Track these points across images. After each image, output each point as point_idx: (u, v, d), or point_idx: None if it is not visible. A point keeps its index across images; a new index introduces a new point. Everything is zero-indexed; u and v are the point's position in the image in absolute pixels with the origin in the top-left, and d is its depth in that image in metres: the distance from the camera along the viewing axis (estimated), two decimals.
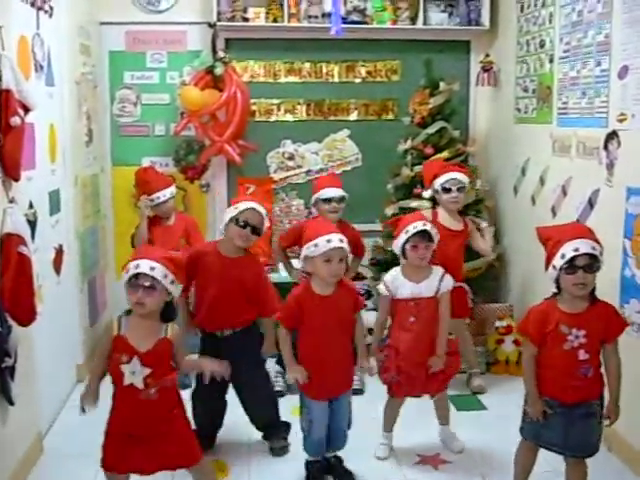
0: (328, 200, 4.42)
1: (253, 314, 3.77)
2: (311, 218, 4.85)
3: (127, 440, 2.95)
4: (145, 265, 2.83)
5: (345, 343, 3.40)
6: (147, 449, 2.93)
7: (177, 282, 2.95)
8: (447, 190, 4.41)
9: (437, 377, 3.69)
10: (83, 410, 3.02)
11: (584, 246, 2.85)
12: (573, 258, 2.85)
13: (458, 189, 4.41)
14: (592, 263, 2.87)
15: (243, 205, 3.64)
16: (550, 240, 2.96)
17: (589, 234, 2.94)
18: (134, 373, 2.86)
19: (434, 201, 4.58)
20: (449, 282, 3.68)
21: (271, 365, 4.70)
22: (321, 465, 3.55)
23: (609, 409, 3.02)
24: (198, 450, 3.08)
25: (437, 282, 3.64)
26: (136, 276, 2.83)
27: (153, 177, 4.84)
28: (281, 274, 4.98)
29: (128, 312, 2.97)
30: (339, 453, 3.62)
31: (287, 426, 3.93)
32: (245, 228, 3.61)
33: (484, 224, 4.58)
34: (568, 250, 2.85)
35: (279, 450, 3.85)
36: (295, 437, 3.71)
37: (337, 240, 3.19)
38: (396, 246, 3.66)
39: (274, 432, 3.91)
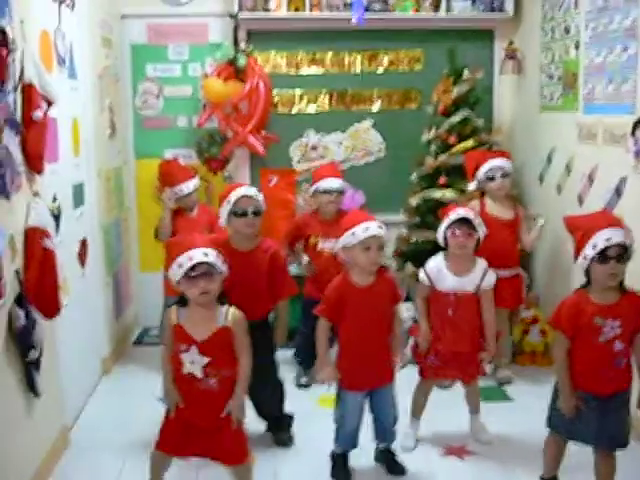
0: (327, 191, 4.39)
1: (271, 303, 3.77)
2: (309, 212, 4.78)
3: (185, 427, 2.97)
4: (199, 254, 2.84)
5: (384, 334, 3.38)
6: (203, 440, 2.96)
7: (225, 261, 2.96)
8: (491, 178, 4.44)
9: (471, 364, 3.70)
10: (168, 410, 3.05)
11: (616, 236, 2.81)
12: (605, 248, 2.81)
13: (502, 175, 4.43)
14: (623, 253, 2.83)
15: (233, 195, 3.57)
16: (579, 230, 2.92)
17: (620, 223, 2.90)
18: (193, 362, 2.89)
19: (482, 192, 4.58)
20: (492, 278, 3.67)
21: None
22: (346, 458, 3.53)
23: None
24: (247, 451, 3.08)
25: (479, 278, 3.63)
26: (192, 268, 2.83)
27: (177, 169, 4.83)
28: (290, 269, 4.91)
29: (178, 303, 2.97)
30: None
31: (291, 418, 3.93)
32: (247, 216, 3.57)
33: (541, 221, 4.50)
34: (600, 240, 2.81)
35: (286, 441, 3.85)
36: (320, 430, 3.69)
37: (375, 227, 3.18)
38: (439, 233, 3.67)
39: (281, 424, 3.92)
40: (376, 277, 3.30)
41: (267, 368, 3.80)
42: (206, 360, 2.88)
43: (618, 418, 2.98)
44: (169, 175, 4.77)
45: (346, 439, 3.48)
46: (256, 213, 3.59)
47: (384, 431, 3.54)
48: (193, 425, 2.97)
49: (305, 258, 4.59)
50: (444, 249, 3.71)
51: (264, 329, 3.73)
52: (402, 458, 3.63)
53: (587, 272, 2.92)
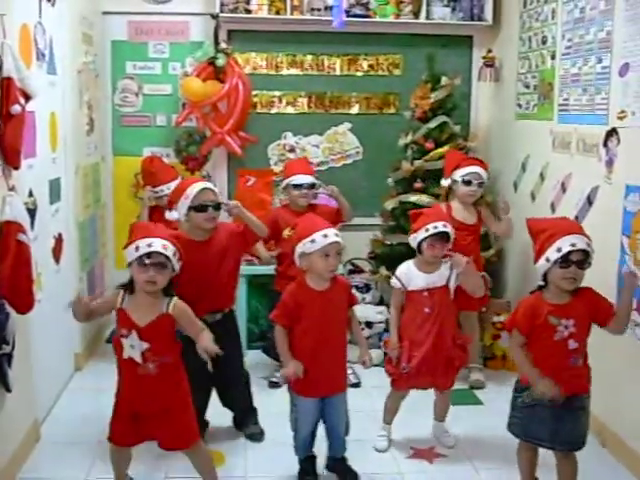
0: (298, 186, 4.43)
1: (235, 290, 3.84)
2: (280, 206, 4.82)
3: (130, 416, 3.01)
4: (158, 243, 2.88)
5: (340, 339, 3.37)
6: (147, 425, 2.99)
7: (180, 259, 2.99)
8: (467, 183, 4.48)
9: (446, 371, 3.72)
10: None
11: (580, 242, 2.89)
12: (569, 253, 2.87)
13: (479, 184, 4.49)
14: (585, 259, 2.90)
15: (192, 190, 3.56)
16: (543, 232, 2.98)
17: (582, 230, 2.99)
18: (133, 347, 2.92)
19: (447, 192, 4.64)
20: (460, 264, 3.71)
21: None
22: (313, 462, 3.53)
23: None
24: (194, 434, 3.11)
25: (448, 270, 3.69)
26: (148, 255, 2.86)
27: (159, 168, 4.80)
28: (257, 267, 4.96)
29: (123, 286, 3.00)
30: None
31: (255, 411, 3.98)
32: (207, 210, 3.57)
33: (506, 217, 4.56)
34: (565, 244, 2.88)
35: (258, 435, 3.88)
36: (286, 426, 3.72)
37: (333, 235, 3.19)
38: (414, 240, 3.70)
39: (249, 417, 3.96)
40: (331, 282, 3.30)
41: (235, 358, 3.85)
42: (145, 345, 2.91)
43: (574, 420, 3.03)
44: (150, 174, 4.76)
45: (299, 445, 3.47)
46: (216, 207, 3.60)
47: (336, 440, 3.50)
48: (138, 413, 3.00)
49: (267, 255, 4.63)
50: (415, 253, 3.76)
51: (230, 320, 3.78)
52: (370, 457, 3.70)
53: (545, 274, 2.98)
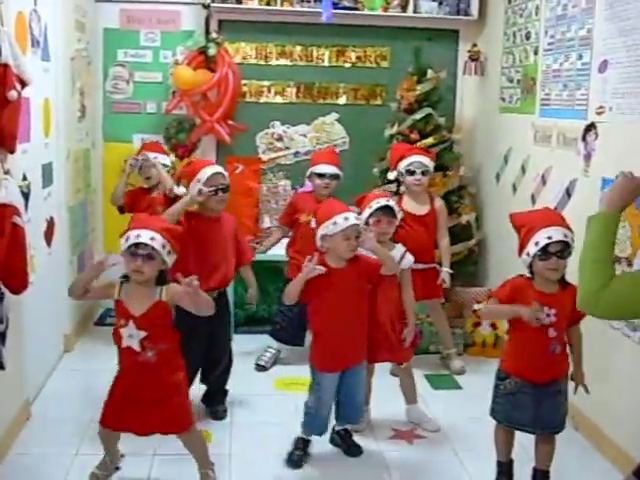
0: (321, 175, 4.52)
1: (233, 271, 3.95)
2: (304, 191, 4.93)
3: (127, 401, 3.10)
4: (146, 235, 2.96)
5: (359, 315, 3.50)
6: (143, 411, 3.07)
7: (173, 252, 3.07)
8: (411, 172, 4.54)
9: (400, 346, 3.79)
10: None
11: (557, 233, 2.98)
12: (546, 245, 2.98)
13: (422, 172, 4.53)
14: (564, 249, 2.99)
15: (204, 173, 3.73)
16: (523, 227, 3.09)
17: (561, 221, 3.07)
18: (131, 336, 3.01)
19: (398, 183, 4.73)
20: (409, 260, 3.80)
21: (262, 339, 4.86)
22: (306, 444, 3.64)
23: (577, 374, 3.21)
24: (190, 419, 3.20)
25: (398, 259, 3.75)
26: (136, 245, 2.96)
27: (155, 145, 4.99)
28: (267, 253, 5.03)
29: (124, 277, 3.09)
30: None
31: (226, 392, 4.09)
32: (217, 194, 3.75)
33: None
34: (542, 238, 2.98)
35: (222, 413, 4.01)
36: (277, 412, 3.82)
37: (353, 217, 3.34)
38: (361, 222, 3.76)
39: (219, 397, 4.08)
40: (349, 261, 3.41)
41: (224, 338, 4.01)
42: (143, 334, 3.00)
43: (553, 404, 3.16)
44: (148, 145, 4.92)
45: (319, 425, 3.59)
46: (224, 190, 3.78)
47: (354, 410, 3.64)
48: (134, 399, 3.08)
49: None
50: None
51: (222, 300, 3.89)
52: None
53: (530, 267, 3.09)
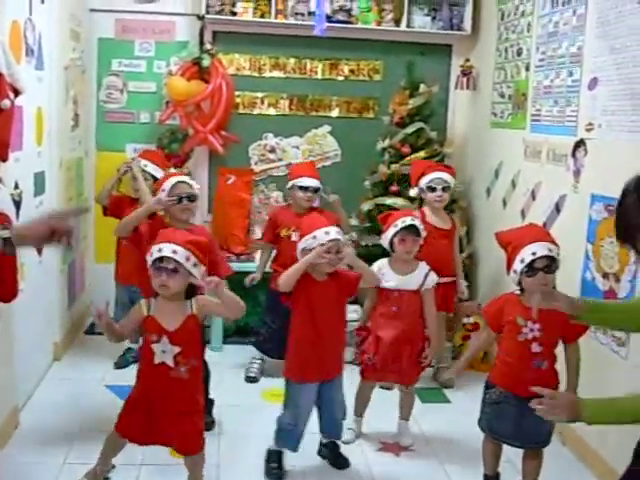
0: (305, 188, 4.54)
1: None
2: (281, 206, 4.93)
3: (145, 412, 3.06)
4: (168, 249, 2.94)
5: (338, 328, 3.53)
6: (162, 428, 3.04)
7: (200, 264, 3.01)
8: (432, 189, 4.59)
9: (411, 368, 3.83)
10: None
11: (541, 249, 3.00)
12: (532, 261, 3.00)
13: (443, 189, 4.60)
14: (550, 264, 3.02)
15: (168, 183, 3.78)
16: (509, 245, 3.12)
17: (545, 236, 3.11)
18: (164, 352, 2.99)
19: (420, 200, 4.76)
20: (433, 279, 3.86)
21: (253, 351, 4.86)
22: (280, 456, 3.61)
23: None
24: (203, 442, 3.18)
25: (422, 277, 3.81)
26: (160, 259, 2.94)
27: (157, 155, 4.93)
28: (234, 264, 5.00)
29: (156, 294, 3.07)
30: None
31: (211, 403, 4.07)
32: (181, 202, 3.76)
33: None
34: (526, 254, 3.00)
35: (209, 425, 3.93)
36: (264, 423, 3.82)
37: (334, 232, 3.35)
38: (385, 239, 3.82)
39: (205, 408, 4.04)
40: (331, 275, 3.43)
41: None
42: (177, 350, 2.98)
43: (537, 419, 3.13)
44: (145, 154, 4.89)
45: (297, 439, 3.55)
46: (190, 198, 3.79)
47: (333, 426, 3.66)
48: (154, 413, 3.05)
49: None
50: (389, 253, 3.88)
51: None
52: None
53: (520, 283, 3.12)
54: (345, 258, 3.41)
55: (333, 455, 3.74)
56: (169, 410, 3.03)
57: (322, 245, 3.30)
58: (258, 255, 5.04)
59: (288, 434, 3.54)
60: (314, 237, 3.33)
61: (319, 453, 3.76)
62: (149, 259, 2.99)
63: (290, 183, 4.63)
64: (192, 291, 3.06)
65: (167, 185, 3.80)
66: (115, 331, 3.04)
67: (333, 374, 3.56)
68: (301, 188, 4.54)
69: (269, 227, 4.75)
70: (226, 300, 2.97)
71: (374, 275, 3.71)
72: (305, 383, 3.49)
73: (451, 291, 4.72)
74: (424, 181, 4.62)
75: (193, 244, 3.02)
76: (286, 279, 3.37)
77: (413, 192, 4.76)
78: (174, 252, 2.94)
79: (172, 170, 4.53)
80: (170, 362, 2.99)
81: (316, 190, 4.57)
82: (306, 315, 3.43)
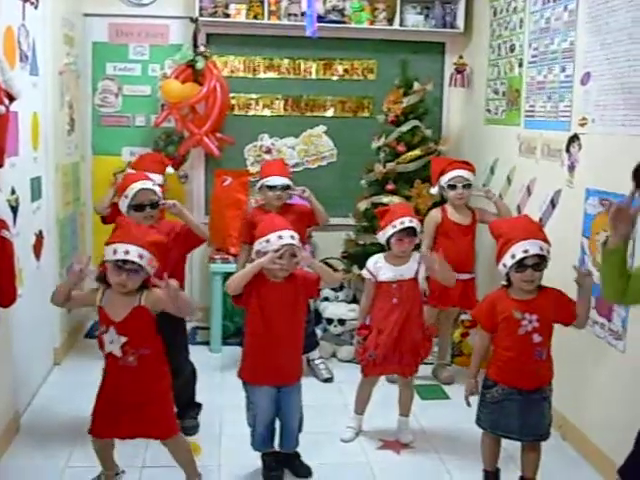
0: (273, 187, 4.53)
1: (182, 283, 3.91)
2: (257, 206, 4.92)
3: (109, 406, 3.12)
4: (134, 252, 2.96)
5: (294, 331, 3.45)
6: (126, 416, 3.09)
7: (155, 263, 3.07)
8: (453, 187, 4.63)
9: (411, 359, 3.85)
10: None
11: (533, 247, 3.03)
12: (522, 258, 3.03)
13: (463, 186, 4.63)
14: (540, 262, 3.05)
15: (131, 190, 3.73)
16: (501, 237, 3.15)
17: (538, 233, 3.12)
18: (112, 342, 3.04)
19: (441, 197, 4.80)
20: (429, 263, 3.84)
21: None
22: (276, 457, 3.60)
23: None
24: (174, 425, 3.23)
25: (416, 264, 3.82)
26: (123, 261, 2.96)
27: (149, 160, 4.85)
28: (232, 265, 5.05)
29: (99, 279, 3.12)
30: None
31: (199, 407, 4.06)
32: (144, 210, 3.74)
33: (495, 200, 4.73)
34: (518, 251, 3.03)
35: (191, 429, 3.94)
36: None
37: (288, 237, 3.28)
38: (382, 237, 3.83)
39: (188, 411, 4.03)
40: (288, 277, 3.36)
41: (179, 346, 3.92)
42: (123, 339, 3.03)
43: (539, 411, 3.20)
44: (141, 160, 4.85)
45: (258, 440, 3.53)
46: (152, 206, 3.77)
47: (289, 435, 3.55)
48: (119, 405, 3.10)
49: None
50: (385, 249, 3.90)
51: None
52: (340, 448, 3.83)
53: (507, 275, 3.15)
54: (301, 262, 3.35)
55: (294, 465, 3.64)
56: (128, 400, 3.08)
57: (276, 251, 3.25)
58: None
59: (252, 436, 3.54)
60: (267, 241, 3.28)
61: (280, 462, 3.64)
62: (110, 255, 2.99)
63: (259, 183, 4.63)
64: (143, 284, 3.08)
65: (130, 192, 3.73)
66: (68, 293, 3.12)
67: (290, 380, 3.47)
68: (270, 187, 4.54)
69: (246, 228, 4.68)
70: (180, 304, 3.01)
71: (333, 276, 3.70)
72: (258, 385, 3.44)
73: (471, 288, 4.75)
74: (444, 179, 4.65)
75: (154, 245, 3.07)
76: (235, 283, 3.32)
77: (434, 190, 4.80)
78: (140, 257, 2.98)
79: (130, 171, 4.45)
80: (117, 352, 3.04)
81: (285, 188, 4.56)
82: (259, 316, 3.36)
